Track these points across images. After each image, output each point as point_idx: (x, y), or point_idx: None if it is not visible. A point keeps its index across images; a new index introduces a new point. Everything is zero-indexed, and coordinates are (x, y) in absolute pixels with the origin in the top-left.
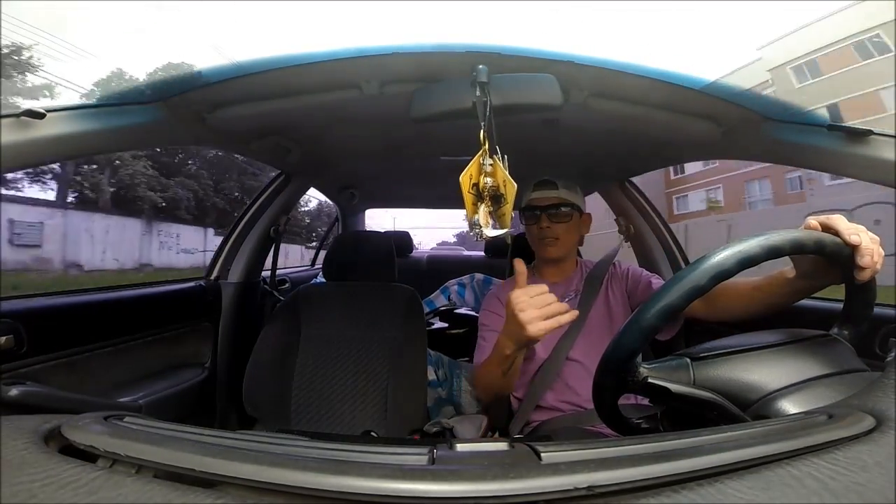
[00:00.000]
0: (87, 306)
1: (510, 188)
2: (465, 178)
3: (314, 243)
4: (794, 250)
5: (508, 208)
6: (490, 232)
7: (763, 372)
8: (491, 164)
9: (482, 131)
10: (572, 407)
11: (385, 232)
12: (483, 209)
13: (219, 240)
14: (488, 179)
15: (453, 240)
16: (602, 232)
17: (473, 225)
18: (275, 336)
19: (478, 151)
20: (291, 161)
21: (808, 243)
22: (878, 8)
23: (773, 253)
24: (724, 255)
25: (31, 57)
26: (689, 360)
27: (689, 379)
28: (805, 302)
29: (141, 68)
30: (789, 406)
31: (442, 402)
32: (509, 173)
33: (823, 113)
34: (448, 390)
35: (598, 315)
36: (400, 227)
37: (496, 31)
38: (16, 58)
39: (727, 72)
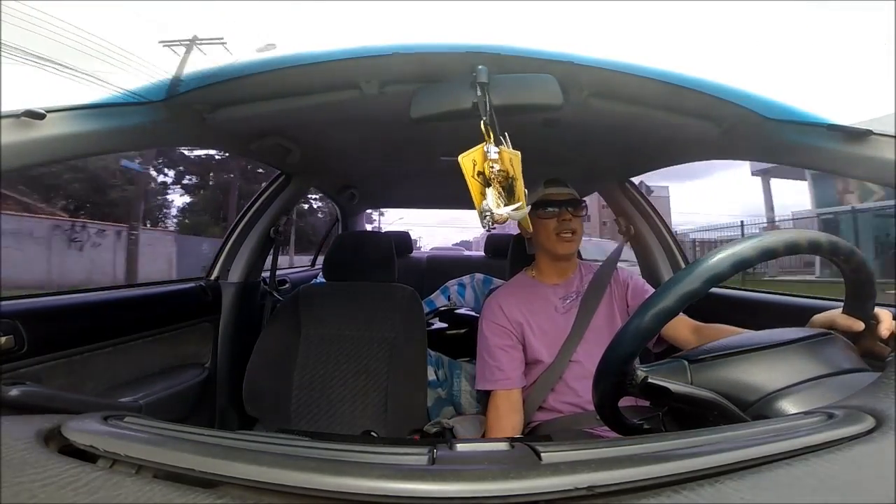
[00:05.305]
0: (87, 306)
1: (516, 161)
2: (468, 162)
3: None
4: (789, 251)
5: (520, 185)
6: (504, 210)
7: (763, 372)
8: (497, 152)
9: (483, 123)
10: (573, 408)
11: (384, 232)
12: (492, 192)
13: None
14: (495, 166)
15: (452, 241)
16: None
17: (483, 213)
18: (275, 336)
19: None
20: (291, 161)
21: (802, 243)
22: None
23: (767, 254)
24: (717, 258)
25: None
26: (686, 362)
27: (687, 381)
28: (805, 302)
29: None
30: (789, 406)
31: (442, 402)
32: None
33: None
34: (448, 390)
35: (602, 317)
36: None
37: (496, 31)
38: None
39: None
